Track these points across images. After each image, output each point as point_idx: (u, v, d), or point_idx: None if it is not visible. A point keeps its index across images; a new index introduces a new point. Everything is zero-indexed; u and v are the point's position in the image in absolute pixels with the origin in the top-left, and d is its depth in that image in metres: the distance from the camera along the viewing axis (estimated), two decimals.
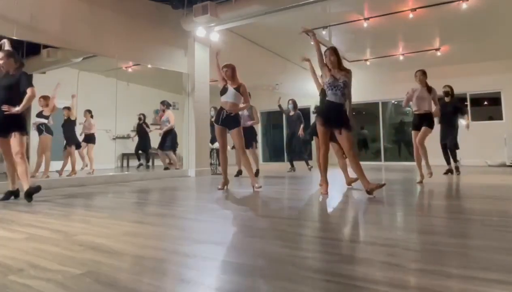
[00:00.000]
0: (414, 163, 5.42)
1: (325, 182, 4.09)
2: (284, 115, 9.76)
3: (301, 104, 9.38)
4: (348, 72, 3.97)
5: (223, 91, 4.76)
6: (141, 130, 9.32)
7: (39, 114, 6.52)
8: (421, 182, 5.10)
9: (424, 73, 5.25)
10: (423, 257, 1.76)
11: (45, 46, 6.25)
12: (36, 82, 4.32)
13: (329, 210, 3.29)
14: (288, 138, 8.83)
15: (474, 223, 2.55)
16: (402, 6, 7.17)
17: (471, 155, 9.85)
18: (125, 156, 9.72)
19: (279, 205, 3.61)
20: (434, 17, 7.46)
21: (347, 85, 3.89)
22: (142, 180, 6.73)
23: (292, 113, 8.68)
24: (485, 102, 10.28)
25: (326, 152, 4.03)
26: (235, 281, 1.48)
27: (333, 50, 3.99)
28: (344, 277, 1.50)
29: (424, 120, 5.13)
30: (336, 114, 3.88)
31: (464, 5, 6.84)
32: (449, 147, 6.67)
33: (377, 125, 11.76)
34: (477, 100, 10.30)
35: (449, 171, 6.71)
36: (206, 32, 7.57)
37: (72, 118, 7.18)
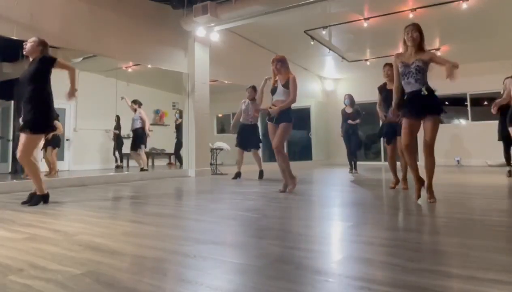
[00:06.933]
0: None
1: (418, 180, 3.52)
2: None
3: (301, 104, 9.28)
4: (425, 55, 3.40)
5: (273, 90, 4.90)
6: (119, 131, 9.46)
7: None
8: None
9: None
10: (423, 257, 1.76)
11: None
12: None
13: (331, 210, 3.29)
14: (347, 138, 7.88)
15: (474, 223, 2.55)
16: (402, 6, 7.17)
17: (471, 154, 9.87)
18: (125, 156, 9.72)
19: (280, 205, 3.61)
20: (434, 17, 7.45)
21: (420, 70, 3.36)
22: (142, 180, 6.73)
23: (350, 110, 7.78)
24: (485, 102, 10.26)
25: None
26: (235, 281, 1.48)
27: (416, 27, 3.43)
28: (344, 277, 1.50)
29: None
30: (416, 101, 3.39)
31: (464, 5, 6.84)
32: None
33: (377, 126, 11.73)
34: (477, 100, 10.28)
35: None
36: (206, 32, 7.57)
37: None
